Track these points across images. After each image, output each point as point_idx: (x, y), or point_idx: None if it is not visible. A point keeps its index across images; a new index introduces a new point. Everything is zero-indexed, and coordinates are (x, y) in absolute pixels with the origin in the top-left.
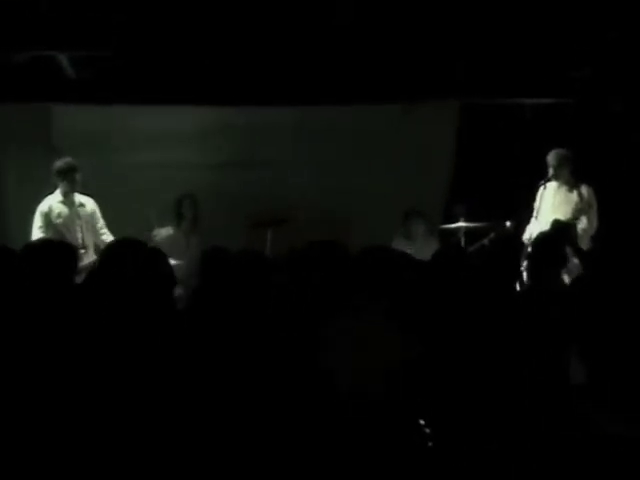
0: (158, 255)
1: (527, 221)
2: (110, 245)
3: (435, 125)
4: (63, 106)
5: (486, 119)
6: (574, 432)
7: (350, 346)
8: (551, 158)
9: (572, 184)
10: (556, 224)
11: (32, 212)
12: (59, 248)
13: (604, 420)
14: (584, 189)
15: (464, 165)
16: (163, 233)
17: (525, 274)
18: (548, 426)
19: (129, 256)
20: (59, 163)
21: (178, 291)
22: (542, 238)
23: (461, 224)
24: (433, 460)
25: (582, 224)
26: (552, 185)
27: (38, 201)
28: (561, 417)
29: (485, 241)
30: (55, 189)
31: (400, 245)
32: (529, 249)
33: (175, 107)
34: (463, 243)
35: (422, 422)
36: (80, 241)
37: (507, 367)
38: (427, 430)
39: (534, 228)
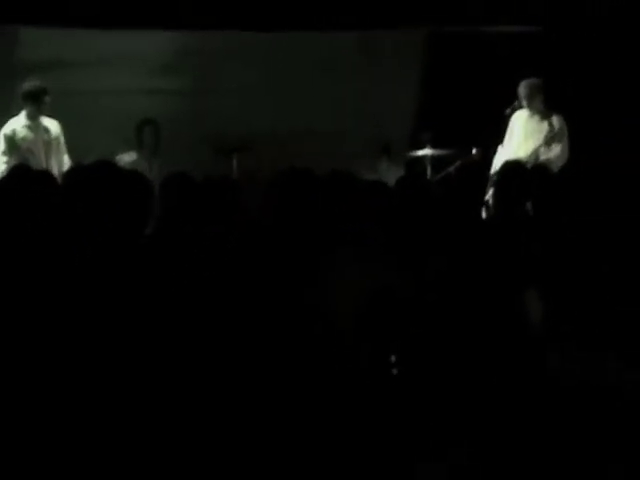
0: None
1: (494, 149)
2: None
3: (401, 52)
4: (26, 28)
5: (453, 46)
6: (530, 372)
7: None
8: (522, 88)
9: (544, 113)
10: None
11: None
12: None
13: (559, 360)
14: (555, 119)
15: (431, 92)
16: (125, 158)
17: (491, 202)
18: (506, 365)
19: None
20: (28, 85)
21: None
22: (509, 167)
23: (427, 151)
24: (398, 394)
25: (553, 152)
26: (524, 113)
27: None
28: (518, 355)
29: (451, 169)
30: (18, 112)
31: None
32: (495, 177)
33: (138, 32)
34: (429, 170)
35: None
36: (44, 165)
37: (470, 299)
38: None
39: (503, 156)
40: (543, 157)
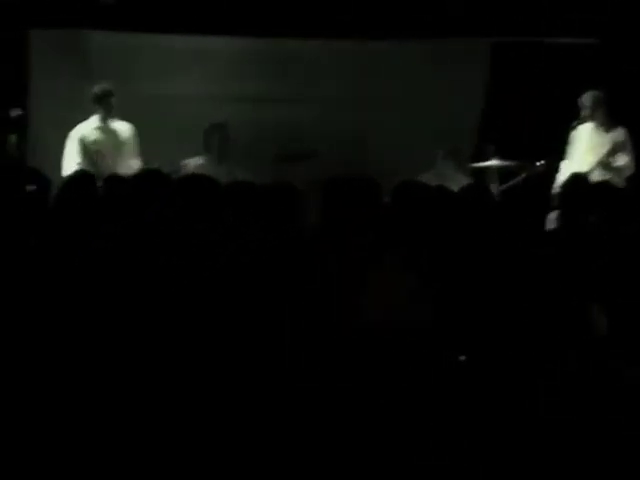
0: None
1: (558, 161)
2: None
3: (466, 63)
4: (99, 32)
5: (519, 58)
6: (597, 381)
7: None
8: (585, 99)
9: (607, 125)
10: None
11: (64, 138)
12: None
13: (625, 371)
14: (620, 131)
15: (496, 104)
16: (192, 163)
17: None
18: (572, 374)
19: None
20: (95, 88)
21: None
22: (573, 179)
23: (492, 163)
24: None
25: (618, 163)
26: (587, 126)
27: (71, 127)
28: (584, 367)
29: (516, 180)
30: (89, 116)
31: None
32: (560, 190)
33: (211, 37)
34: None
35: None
36: (113, 168)
37: (533, 308)
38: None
39: (568, 169)
40: (613, 165)
